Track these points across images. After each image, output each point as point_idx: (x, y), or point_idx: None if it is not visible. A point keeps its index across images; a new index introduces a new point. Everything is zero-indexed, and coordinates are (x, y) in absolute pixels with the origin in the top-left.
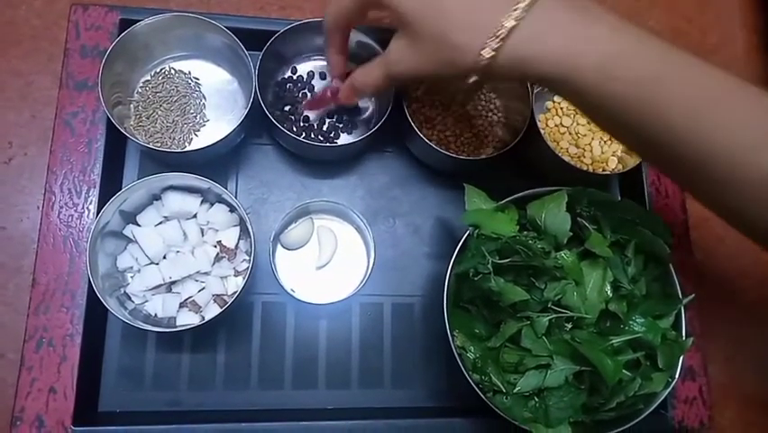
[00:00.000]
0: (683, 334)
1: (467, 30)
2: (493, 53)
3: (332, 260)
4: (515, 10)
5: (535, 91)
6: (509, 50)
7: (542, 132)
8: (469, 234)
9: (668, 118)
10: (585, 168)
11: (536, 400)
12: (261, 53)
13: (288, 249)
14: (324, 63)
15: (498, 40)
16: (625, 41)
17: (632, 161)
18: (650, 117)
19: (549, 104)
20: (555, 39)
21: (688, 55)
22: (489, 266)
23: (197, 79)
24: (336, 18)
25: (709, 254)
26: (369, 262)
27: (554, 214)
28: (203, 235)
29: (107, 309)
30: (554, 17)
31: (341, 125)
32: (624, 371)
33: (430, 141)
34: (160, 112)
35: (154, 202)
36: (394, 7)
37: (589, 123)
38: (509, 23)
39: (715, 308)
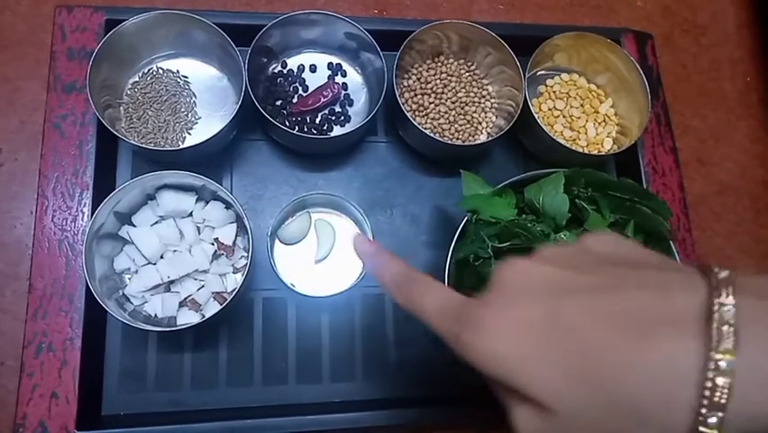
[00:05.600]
0: None
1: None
2: None
3: (330, 253)
4: (721, 352)
5: (528, 75)
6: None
7: (536, 116)
8: (467, 221)
9: None
10: (580, 150)
11: None
12: (250, 48)
13: (286, 244)
14: (314, 56)
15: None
16: None
17: (627, 141)
18: None
19: (542, 88)
20: None
21: None
22: (489, 250)
23: (186, 78)
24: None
25: (708, 232)
26: None
27: (552, 196)
28: (200, 233)
29: (106, 312)
30: None
31: (333, 118)
32: None
33: (424, 129)
34: (150, 113)
35: (149, 202)
36: (532, 396)
37: (582, 105)
38: (723, 380)
39: None
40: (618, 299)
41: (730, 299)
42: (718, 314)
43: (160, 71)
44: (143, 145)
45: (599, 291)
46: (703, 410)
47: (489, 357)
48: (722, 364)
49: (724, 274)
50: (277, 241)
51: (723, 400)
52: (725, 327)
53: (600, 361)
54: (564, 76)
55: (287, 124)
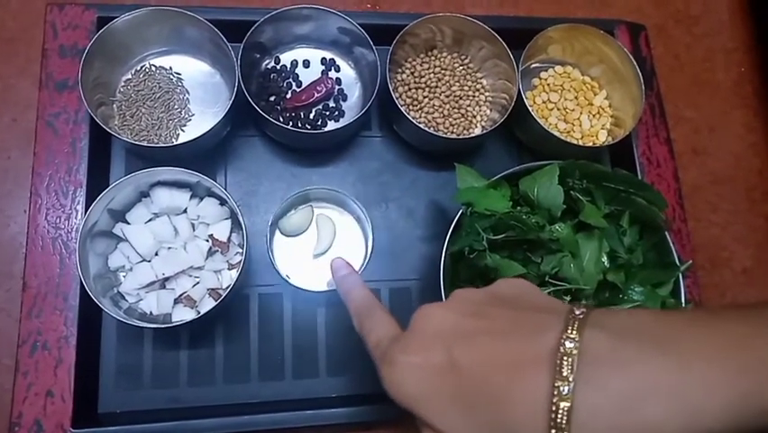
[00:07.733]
0: (682, 301)
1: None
2: None
3: (330, 249)
4: (562, 379)
5: (521, 68)
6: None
7: (530, 109)
8: (462, 213)
9: None
10: (575, 142)
11: None
12: (242, 44)
13: (287, 235)
14: (307, 51)
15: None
16: (744, 373)
17: (621, 133)
18: None
19: (536, 81)
20: (652, 406)
21: None
22: (485, 243)
23: (179, 74)
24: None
25: (704, 222)
26: (366, 249)
27: (547, 188)
28: (194, 230)
29: (101, 310)
30: (630, 378)
31: (327, 113)
32: None
33: (418, 123)
34: (143, 110)
35: (143, 199)
36: (431, 424)
37: (576, 98)
38: (563, 403)
39: (711, 276)
40: (499, 344)
41: (574, 334)
42: (563, 348)
43: (153, 68)
44: (137, 142)
45: (487, 336)
46: (552, 431)
47: (398, 390)
48: (563, 391)
49: (578, 312)
50: (277, 232)
51: (564, 422)
52: (566, 359)
53: (483, 395)
54: (558, 68)
55: (280, 119)
